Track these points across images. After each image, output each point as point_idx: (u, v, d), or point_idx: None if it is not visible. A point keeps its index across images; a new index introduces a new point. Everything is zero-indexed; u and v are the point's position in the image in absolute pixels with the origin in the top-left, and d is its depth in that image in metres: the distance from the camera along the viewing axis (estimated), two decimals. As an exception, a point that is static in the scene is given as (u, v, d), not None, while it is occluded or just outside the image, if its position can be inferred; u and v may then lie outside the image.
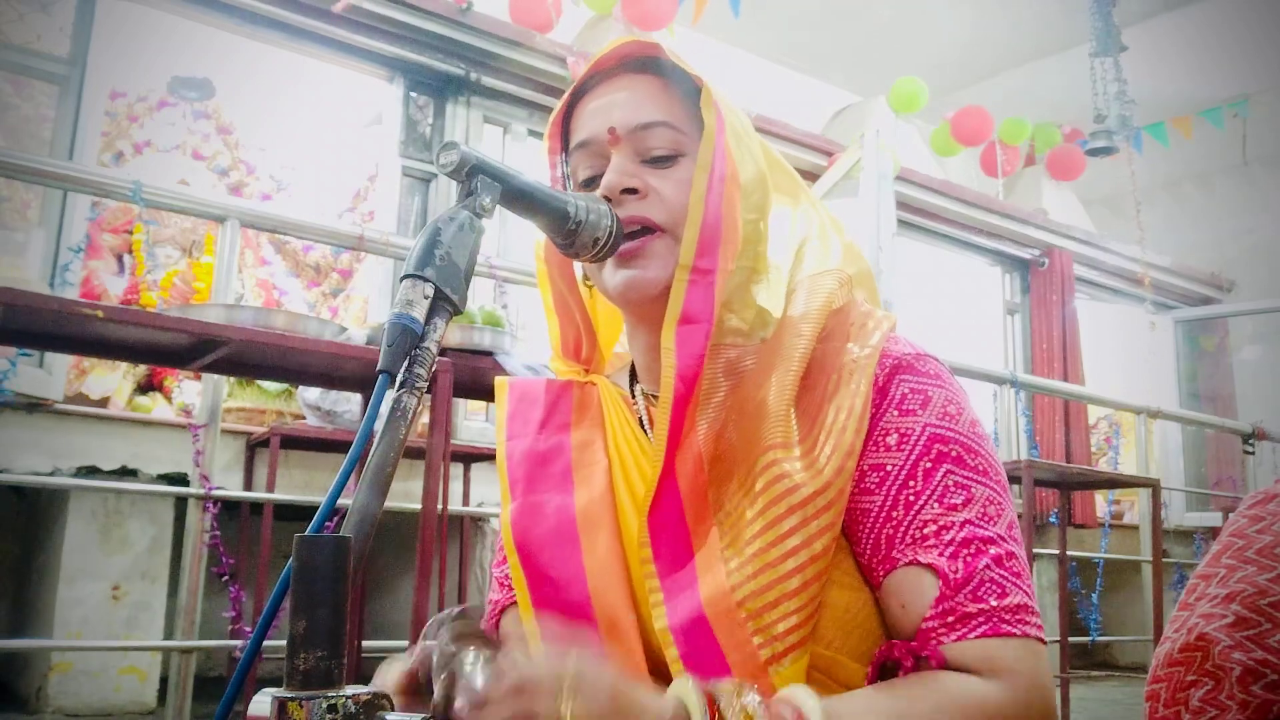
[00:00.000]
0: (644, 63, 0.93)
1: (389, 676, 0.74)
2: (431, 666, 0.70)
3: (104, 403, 4.16)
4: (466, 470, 3.97)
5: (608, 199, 0.89)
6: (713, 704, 0.68)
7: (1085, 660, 6.07)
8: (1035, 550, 4.58)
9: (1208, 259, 7.73)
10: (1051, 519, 5.15)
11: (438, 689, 0.67)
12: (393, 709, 0.58)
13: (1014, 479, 3.56)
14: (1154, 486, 3.90)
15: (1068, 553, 4.05)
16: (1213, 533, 6.11)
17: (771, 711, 0.69)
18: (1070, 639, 3.96)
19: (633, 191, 0.89)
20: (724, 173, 0.88)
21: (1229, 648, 0.73)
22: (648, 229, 0.89)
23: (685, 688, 0.69)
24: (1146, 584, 4.52)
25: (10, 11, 3.64)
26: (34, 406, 3.20)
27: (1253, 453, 5.29)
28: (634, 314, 0.95)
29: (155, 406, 4.37)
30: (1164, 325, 7.70)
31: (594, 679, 0.64)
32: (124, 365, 4.32)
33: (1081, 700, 4.36)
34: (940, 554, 0.78)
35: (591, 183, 0.92)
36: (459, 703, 0.64)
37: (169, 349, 2.21)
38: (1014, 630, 0.76)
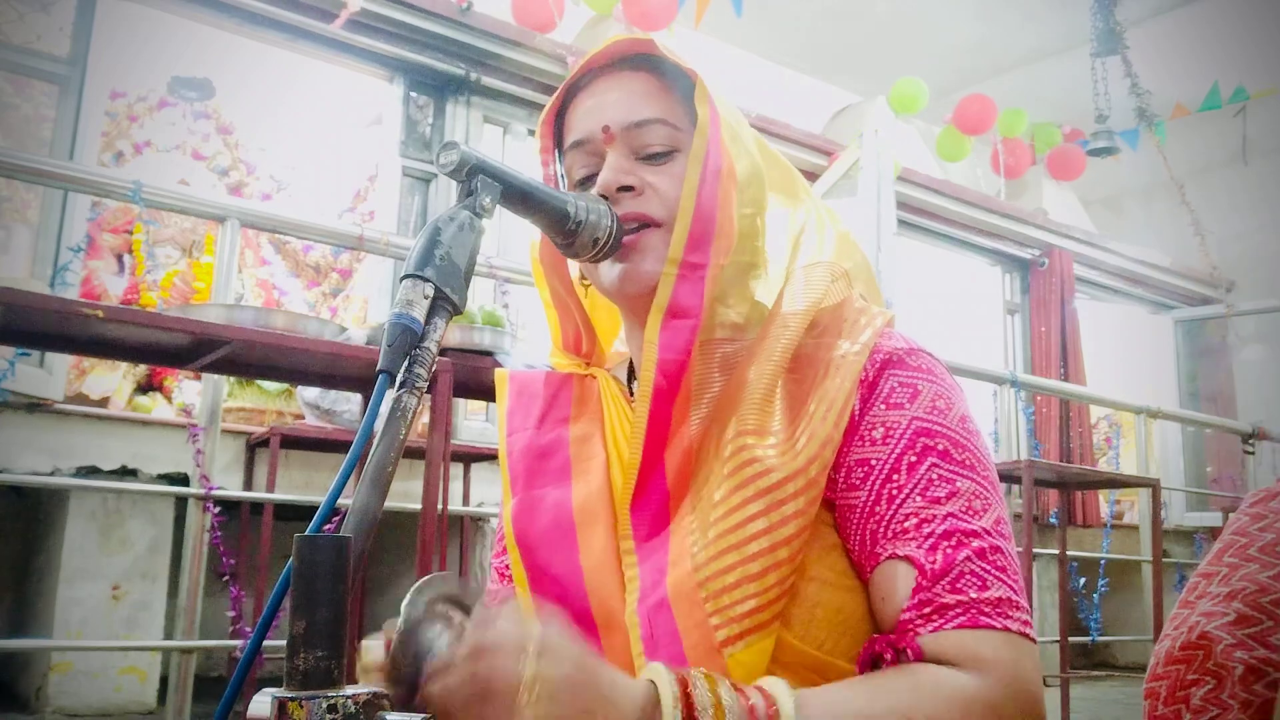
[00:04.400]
0: (637, 59, 0.93)
1: (368, 659, 0.73)
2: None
3: (104, 403, 4.16)
4: (466, 470, 3.97)
5: (604, 197, 0.89)
6: (684, 688, 0.68)
7: (1085, 660, 6.07)
8: (1035, 550, 4.58)
9: (1208, 259, 7.73)
10: (1052, 519, 5.15)
11: (403, 664, 0.65)
12: (392, 709, 0.58)
13: (1014, 479, 3.56)
14: (1154, 486, 3.90)
15: (1068, 553, 4.05)
16: (1213, 533, 6.11)
17: (744, 699, 0.68)
18: (1070, 639, 3.96)
19: (629, 189, 0.89)
20: (718, 167, 0.87)
21: (1231, 646, 0.73)
22: (645, 224, 0.89)
23: (657, 671, 0.69)
24: (1146, 584, 4.52)
25: (10, 11, 3.64)
26: (34, 406, 3.20)
27: (1253, 453, 5.29)
28: (629, 308, 0.95)
29: (155, 406, 4.37)
30: (1164, 325, 7.70)
31: (559, 646, 0.64)
32: (124, 365, 4.32)
33: (1081, 700, 4.36)
34: (919, 546, 0.77)
35: (587, 182, 0.92)
36: (425, 676, 0.63)
37: (169, 349, 2.21)
38: (994, 623, 0.74)
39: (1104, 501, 6.11)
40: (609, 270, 0.90)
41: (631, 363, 1.00)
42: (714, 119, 0.88)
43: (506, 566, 0.95)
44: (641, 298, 0.90)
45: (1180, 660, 0.76)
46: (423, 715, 0.60)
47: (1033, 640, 0.76)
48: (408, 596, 0.68)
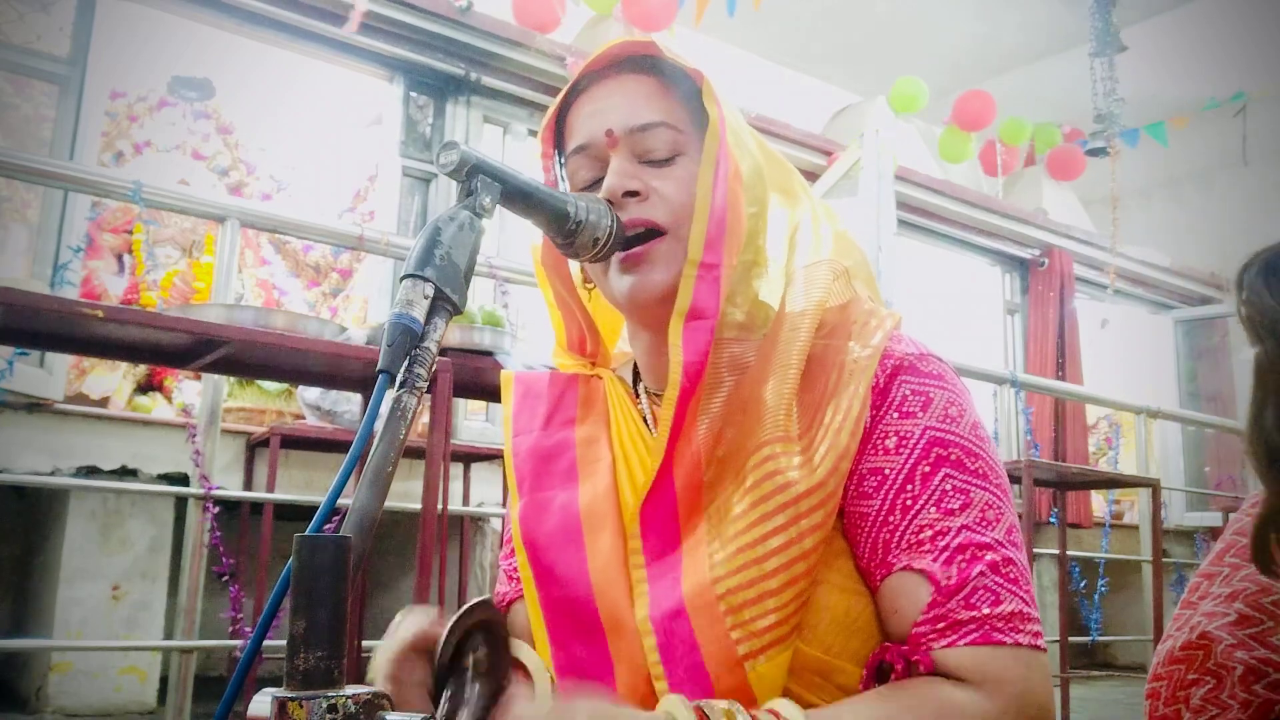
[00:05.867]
0: (639, 62, 0.93)
1: (401, 637, 0.78)
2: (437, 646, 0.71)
3: (104, 403, 4.16)
4: (466, 470, 3.97)
5: (609, 202, 0.88)
6: None
7: (1085, 660, 6.07)
8: (1035, 550, 4.58)
9: (1208, 259, 7.72)
10: (1051, 519, 5.15)
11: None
12: (392, 708, 0.57)
13: (1014, 479, 3.56)
14: (1154, 486, 3.90)
15: (1068, 553, 4.05)
16: (1213, 533, 6.11)
17: None
18: (1070, 639, 3.95)
19: (634, 194, 0.89)
20: (728, 168, 0.87)
21: (1231, 646, 0.73)
22: (652, 231, 0.89)
23: (674, 705, 0.69)
24: (1146, 584, 4.52)
25: (10, 11, 3.64)
26: (34, 406, 3.20)
27: (1253, 452, 5.28)
28: (638, 317, 0.95)
29: (155, 406, 4.37)
30: (1164, 325, 7.69)
31: None
32: (124, 365, 4.32)
33: (1081, 700, 4.36)
34: (934, 559, 0.77)
35: (592, 186, 0.92)
36: None
37: (169, 349, 2.21)
38: (1005, 639, 0.75)
39: (1103, 501, 6.11)
40: (618, 281, 0.90)
41: (636, 363, 1.00)
42: (721, 120, 0.88)
43: (515, 568, 0.95)
44: (651, 306, 0.90)
45: (1181, 660, 0.76)
46: (423, 715, 0.60)
47: (1042, 650, 0.77)
48: (444, 631, 0.70)
